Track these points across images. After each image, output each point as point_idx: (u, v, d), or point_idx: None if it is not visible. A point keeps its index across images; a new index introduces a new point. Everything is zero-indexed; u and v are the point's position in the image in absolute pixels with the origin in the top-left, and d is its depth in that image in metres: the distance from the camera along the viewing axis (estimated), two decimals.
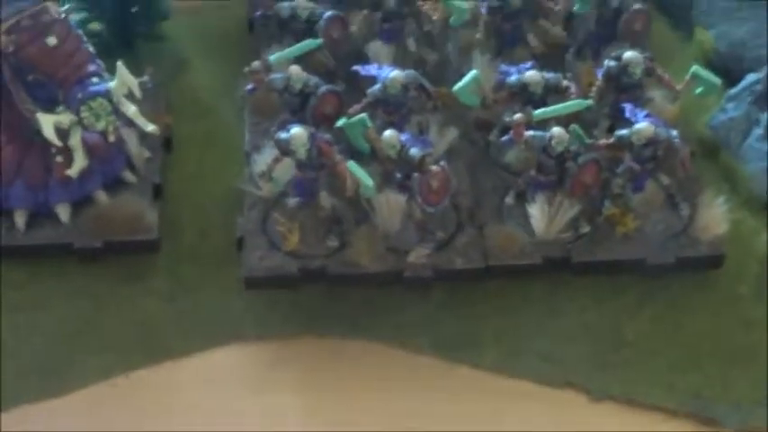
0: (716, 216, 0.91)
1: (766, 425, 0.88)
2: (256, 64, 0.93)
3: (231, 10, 1.06)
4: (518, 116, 0.90)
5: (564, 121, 0.91)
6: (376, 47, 0.98)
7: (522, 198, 0.91)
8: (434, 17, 0.98)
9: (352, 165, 0.87)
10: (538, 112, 0.91)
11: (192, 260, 0.93)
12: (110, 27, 1.02)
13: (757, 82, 0.98)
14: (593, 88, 0.96)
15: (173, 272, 0.92)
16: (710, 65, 1.03)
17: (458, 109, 0.96)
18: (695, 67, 0.96)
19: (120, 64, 0.90)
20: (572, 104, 0.91)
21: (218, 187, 0.95)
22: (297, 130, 0.87)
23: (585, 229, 0.91)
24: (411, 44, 1.00)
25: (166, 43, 1.04)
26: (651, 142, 0.89)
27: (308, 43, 0.95)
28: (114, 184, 0.93)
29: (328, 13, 0.98)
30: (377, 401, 0.86)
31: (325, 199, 0.89)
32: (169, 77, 1.03)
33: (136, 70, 0.97)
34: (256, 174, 0.91)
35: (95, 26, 1.01)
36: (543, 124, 0.91)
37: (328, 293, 0.89)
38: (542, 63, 0.97)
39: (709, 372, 0.89)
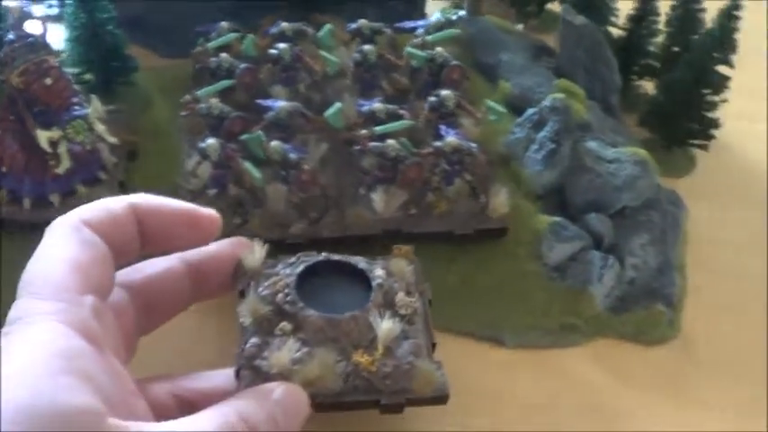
0: (501, 201, 0.91)
1: (534, 342, 0.89)
2: (187, 97, 0.95)
3: (181, 66, 1.06)
4: (364, 131, 0.91)
5: (397, 136, 0.92)
6: (277, 89, 0.99)
7: (371, 189, 0.92)
8: (317, 68, 1.00)
9: (247, 163, 0.88)
10: (378, 128, 0.91)
11: None
12: (97, 77, 1.03)
13: (533, 114, 1.00)
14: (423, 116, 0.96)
15: None
16: (509, 104, 1.05)
17: (331, 131, 0.96)
18: (488, 102, 0.97)
19: (93, 96, 0.91)
20: (400, 123, 0.92)
21: (165, 183, 0.94)
22: (211, 141, 0.88)
23: (413, 210, 0.91)
24: (302, 88, 1.00)
25: (136, 88, 1.05)
26: (456, 150, 0.90)
27: (222, 83, 0.96)
28: (92, 181, 0.93)
29: (242, 65, 0.99)
30: None
31: (233, 189, 0.90)
32: (138, 111, 1.03)
33: (116, 107, 1.00)
34: (187, 173, 0.91)
35: (87, 76, 1.01)
36: (384, 139, 0.91)
37: None
38: (394, 102, 0.98)
39: (498, 307, 0.90)
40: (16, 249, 0.84)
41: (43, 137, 0.89)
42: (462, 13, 1.15)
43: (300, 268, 0.74)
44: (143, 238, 0.68)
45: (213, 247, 0.74)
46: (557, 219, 0.94)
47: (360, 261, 0.77)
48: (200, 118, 0.93)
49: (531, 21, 1.23)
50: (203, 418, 0.58)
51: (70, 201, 0.91)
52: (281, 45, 0.99)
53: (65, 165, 0.90)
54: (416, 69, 1.02)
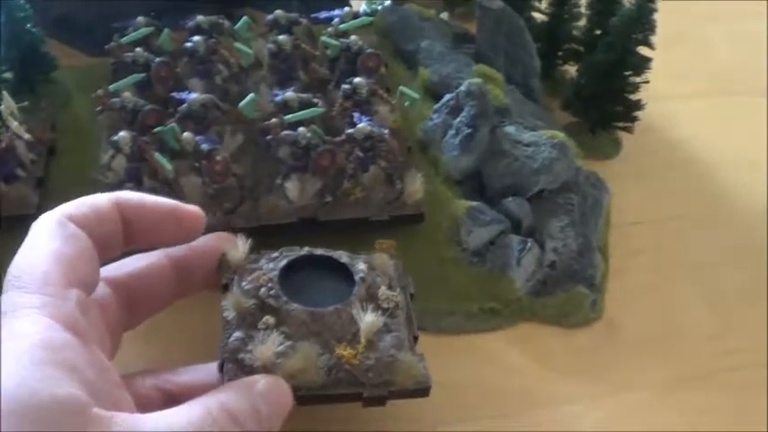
0: (416, 187, 0.92)
1: (454, 327, 0.89)
2: (100, 91, 0.95)
3: (104, 64, 1.05)
4: (274, 120, 0.91)
5: (312, 125, 0.92)
6: (194, 82, 0.99)
7: (286, 178, 0.92)
8: (232, 60, 1.00)
9: (157, 155, 0.88)
10: (288, 116, 0.92)
11: None
12: (17, 75, 1.03)
13: (450, 100, 1.01)
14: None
15: None
16: (429, 91, 1.05)
17: (248, 122, 0.96)
18: (401, 87, 0.97)
19: (5, 93, 0.92)
20: (309, 111, 0.93)
21: (84, 179, 0.94)
22: (123, 134, 0.89)
23: (328, 198, 0.91)
24: (218, 80, 1.00)
25: (57, 86, 1.05)
26: (368, 137, 0.91)
27: (133, 77, 0.96)
28: (10, 178, 0.92)
29: (157, 60, 0.99)
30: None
31: (148, 182, 0.90)
32: (59, 108, 1.04)
33: (35, 104, 1.01)
34: (103, 167, 0.91)
35: (7, 75, 1.02)
36: (296, 127, 0.91)
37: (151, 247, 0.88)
38: (312, 92, 0.98)
39: (418, 293, 0.89)
40: None
41: None
42: (388, 2, 1.16)
43: (283, 263, 0.75)
44: (127, 234, 0.70)
45: (197, 243, 0.76)
46: (474, 203, 0.94)
47: (342, 255, 0.78)
48: (115, 112, 0.93)
49: (457, 9, 1.24)
50: (187, 410, 0.60)
51: None
52: (196, 38, 1.00)
53: None
54: (334, 59, 1.03)
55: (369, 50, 1.00)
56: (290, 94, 0.95)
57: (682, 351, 0.91)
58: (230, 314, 0.71)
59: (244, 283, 0.73)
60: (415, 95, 0.97)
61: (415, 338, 0.76)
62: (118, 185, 0.90)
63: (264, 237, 0.89)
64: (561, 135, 0.98)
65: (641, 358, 0.90)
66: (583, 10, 1.13)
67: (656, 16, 1.02)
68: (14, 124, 0.92)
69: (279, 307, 0.71)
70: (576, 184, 0.98)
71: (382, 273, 0.78)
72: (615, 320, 0.93)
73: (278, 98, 0.95)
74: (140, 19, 1.04)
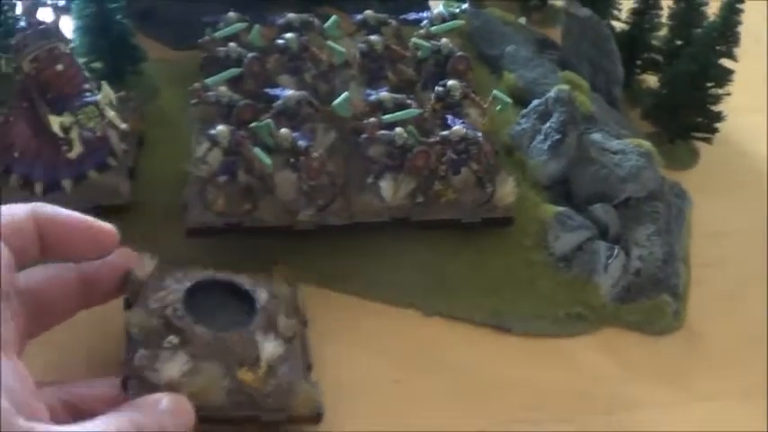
0: (508, 191, 0.93)
1: (540, 330, 0.90)
2: (196, 85, 0.95)
3: (190, 58, 1.06)
4: (372, 120, 0.92)
5: (404, 125, 0.92)
6: (284, 78, 1.00)
7: (379, 177, 0.92)
8: (323, 58, 1.01)
9: (257, 150, 0.88)
10: (386, 117, 0.93)
11: (152, 217, 0.93)
12: (106, 65, 1.05)
13: (539, 105, 1.01)
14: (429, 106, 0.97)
15: (138, 224, 0.91)
16: (513, 96, 1.05)
17: (339, 120, 0.97)
18: (494, 91, 0.98)
19: (104, 83, 0.93)
20: (408, 112, 0.94)
21: (173, 171, 0.94)
22: (221, 127, 0.90)
23: (420, 198, 0.92)
24: (308, 77, 1.01)
25: (144, 77, 1.07)
26: (463, 139, 0.92)
27: (230, 71, 0.97)
28: (102, 167, 0.93)
29: (250, 55, 1.00)
30: None
31: (243, 176, 0.90)
32: (146, 99, 1.05)
33: (125, 95, 1.00)
34: (197, 159, 0.91)
35: (97, 65, 1.03)
36: (391, 127, 0.92)
37: (243, 242, 0.89)
38: (398, 93, 0.98)
39: (503, 296, 0.92)
40: None
41: (55, 122, 0.90)
42: (465, 5, 1.16)
43: (188, 284, 0.76)
44: (42, 246, 0.70)
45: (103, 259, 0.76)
46: (562, 209, 0.95)
47: (245, 281, 0.79)
48: (209, 106, 0.94)
49: (534, 14, 1.24)
50: (101, 424, 0.61)
51: (81, 186, 0.92)
52: (289, 35, 1.01)
53: (76, 150, 0.91)
54: (422, 60, 1.04)
55: (459, 53, 1.01)
56: (384, 94, 0.96)
57: (763, 360, 0.91)
58: (135, 331, 0.72)
59: (149, 302, 0.74)
60: (508, 100, 0.98)
61: (309, 366, 0.78)
62: (211, 178, 0.90)
63: (357, 235, 0.91)
64: (646, 144, 0.99)
65: (721, 367, 0.90)
66: (664, 20, 1.14)
67: None
68: (111, 114, 0.93)
69: (183, 327, 0.72)
70: (660, 193, 0.98)
71: (282, 300, 0.80)
72: (697, 329, 0.94)
73: (372, 98, 0.96)
74: (231, 14, 1.05)
